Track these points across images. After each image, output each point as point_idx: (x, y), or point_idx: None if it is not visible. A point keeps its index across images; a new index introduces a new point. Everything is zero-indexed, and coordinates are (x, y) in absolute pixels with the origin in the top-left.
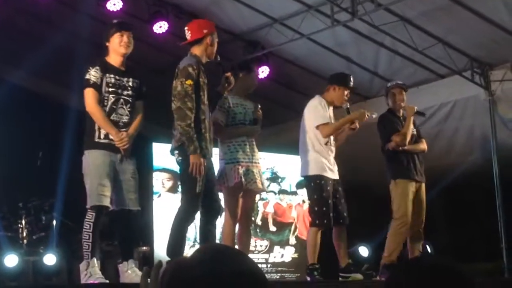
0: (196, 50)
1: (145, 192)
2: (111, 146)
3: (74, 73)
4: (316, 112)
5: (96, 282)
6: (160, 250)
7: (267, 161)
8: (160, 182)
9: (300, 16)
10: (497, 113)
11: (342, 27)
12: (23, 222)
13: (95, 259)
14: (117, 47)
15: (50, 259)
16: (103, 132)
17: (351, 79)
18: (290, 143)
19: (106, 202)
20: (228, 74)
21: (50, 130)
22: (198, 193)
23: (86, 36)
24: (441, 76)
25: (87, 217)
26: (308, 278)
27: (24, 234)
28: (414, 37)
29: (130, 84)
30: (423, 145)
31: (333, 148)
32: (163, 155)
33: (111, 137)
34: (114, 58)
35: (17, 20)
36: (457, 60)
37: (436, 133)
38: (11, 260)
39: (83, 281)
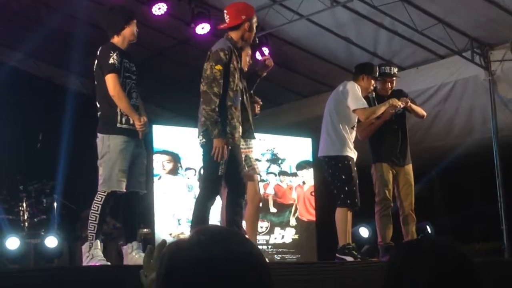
0: (233, 34)
1: (145, 174)
2: (131, 131)
3: (73, 55)
4: (355, 96)
5: (98, 264)
6: (161, 232)
7: (267, 143)
8: (160, 164)
9: None
10: (497, 93)
11: (341, 7)
12: (24, 205)
13: (98, 241)
14: (132, 36)
15: (51, 241)
16: (124, 117)
17: (377, 69)
18: (290, 124)
19: (124, 187)
20: (266, 56)
21: (49, 112)
22: (220, 176)
23: (84, 18)
24: (441, 57)
25: (96, 198)
26: (349, 259)
27: (25, 217)
28: (414, 17)
29: (134, 68)
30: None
31: (353, 131)
32: (163, 137)
33: (130, 122)
34: (123, 43)
35: (14, 2)
36: (457, 40)
37: (436, 113)
38: (13, 243)
39: (85, 263)
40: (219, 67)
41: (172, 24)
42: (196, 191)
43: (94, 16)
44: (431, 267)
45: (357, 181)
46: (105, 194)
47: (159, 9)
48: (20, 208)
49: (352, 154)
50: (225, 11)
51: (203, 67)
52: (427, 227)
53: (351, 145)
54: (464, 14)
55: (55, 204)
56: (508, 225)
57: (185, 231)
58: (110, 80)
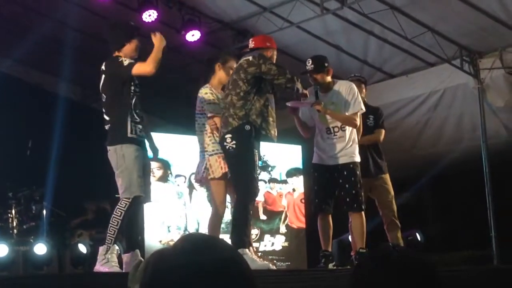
0: None
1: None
2: (140, 141)
3: (63, 61)
4: None
5: (107, 270)
6: (151, 239)
7: None
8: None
9: (289, 4)
10: (486, 101)
11: (331, 15)
12: (13, 212)
13: (116, 246)
14: (133, 52)
15: (40, 248)
16: (134, 127)
17: (307, 62)
18: (280, 131)
19: (143, 192)
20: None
21: (39, 118)
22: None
23: (74, 25)
24: (431, 65)
25: (120, 204)
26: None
27: (14, 224)
28: (404, 25)
29: (137, 81)
30: (375, 136)
31: (336, 136)
32: None
33: (139, 132)
34: (125, 58)
35: (3, 8)
36: (446, 48)
37: (426, 121)
38: (1, 250)
39: (98, 265)
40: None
41: (163, 31)
42: (186, 198)
43: (85, 23)
44: (396, 277)
45: (315, 187)
46: (129, 200)
47: (149, 16)
48: (9, 215)
49: (317, 159)
50: (250, 39)
51: (261, 70)
52: (417, 234)
53: (319, 150)
54: (453, 23)
55: (45, 211)
56: (497, 232)
57: (175, 238)
58: (139, 67)
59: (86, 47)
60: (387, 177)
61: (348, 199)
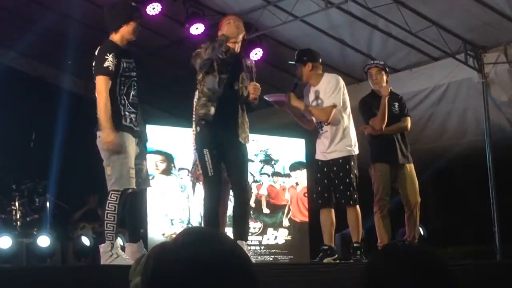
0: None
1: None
2: (134, 130)
3: (66, 54)
4: None
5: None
6: (154, 232)
7: (260, 143)
8: (153, 164)
9: None
10: (490, 96)
11: (335, 9)
12: (17, 204)
13: (118, 240)
14: (131, 34)
15: (43, 240)
16: (128, 116)
17: (294, 56)
18: (284, 125)
19: (134, 184)
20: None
21: (42, 111)
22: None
23: (78, 18)
24: (435, 59)
25: (111, 198)
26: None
27: (18, 216)
28: (408, 19)
29: (134, 64)
30: (404, 123)
31: (322, 130)
32: (156, 137)
33: (133, 121)
34: (121, 40)
35: (7, 1)
36: (450, 42)
37: (429, 115)
38: (5, 242)
39: (107, 262)
40: None
41: (166, 24)
42: (189, 191)
43: (88, 16)
44: (408, 272)
45: (320, 182)
46: (119, 193)
47: (153, 9)
48: (13, 207)
49: (318, 155)
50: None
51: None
52: (420, 229)
53: (316, 144)
54: (457, 17)
55: (48, 204)
56: (500, 227)
57: (178, 231)
58: (100, 82)
59: (89, 40)
60: (412, 166)
61: (338, 194)
